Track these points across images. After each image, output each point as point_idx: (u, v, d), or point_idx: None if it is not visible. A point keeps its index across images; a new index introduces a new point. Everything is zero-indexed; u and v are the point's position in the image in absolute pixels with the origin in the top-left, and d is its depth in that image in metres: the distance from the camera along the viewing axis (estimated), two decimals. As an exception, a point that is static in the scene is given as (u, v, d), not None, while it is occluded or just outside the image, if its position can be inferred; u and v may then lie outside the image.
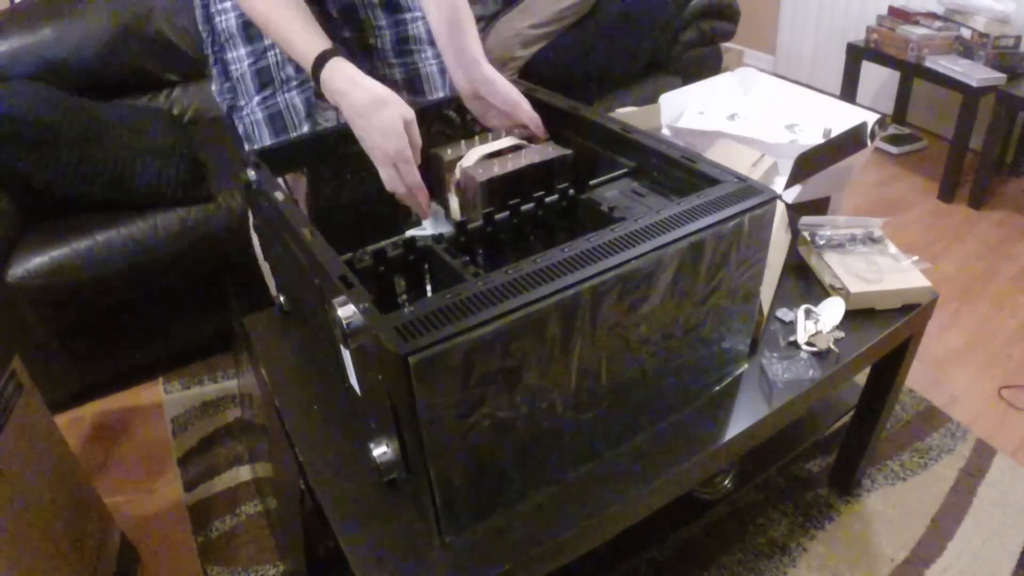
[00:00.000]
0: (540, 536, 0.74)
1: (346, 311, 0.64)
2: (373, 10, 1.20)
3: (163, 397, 1.72)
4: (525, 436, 0.72)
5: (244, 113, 1.19)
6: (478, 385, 0.64)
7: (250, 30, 1.15)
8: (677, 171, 0.89)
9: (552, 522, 0.75)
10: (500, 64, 2.10)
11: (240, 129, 1.22)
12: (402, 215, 1.05)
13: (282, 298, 1.07)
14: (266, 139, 1.19)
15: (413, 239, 0.84)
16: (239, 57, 1.17)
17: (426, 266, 0.86)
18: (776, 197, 0.80)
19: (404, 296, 0.87)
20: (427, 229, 1.02)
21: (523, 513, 0.76)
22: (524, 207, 0.88)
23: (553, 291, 0.65)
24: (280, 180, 0.97)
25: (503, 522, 0.75)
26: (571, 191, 0.92)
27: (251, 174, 0.93)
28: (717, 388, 0.92)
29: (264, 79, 1.18)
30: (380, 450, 0.73)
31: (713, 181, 0.83)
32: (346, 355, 0.77)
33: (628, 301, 0.72)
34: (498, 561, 0.72)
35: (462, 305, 0.63)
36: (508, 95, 1.01)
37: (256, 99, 1.18)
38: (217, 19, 1.14)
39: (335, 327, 0.65)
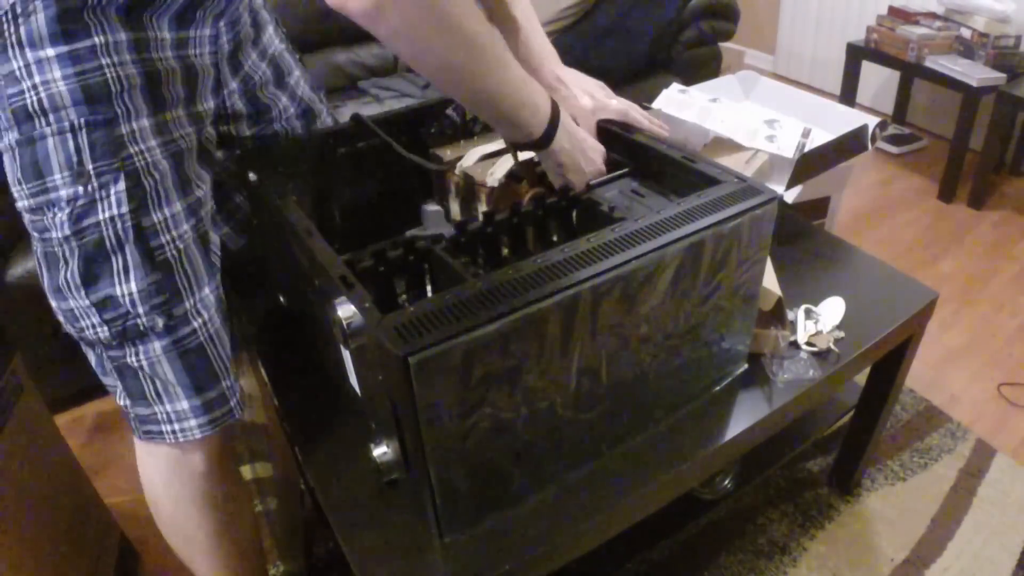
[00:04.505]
0: (540, 536, 0.74)
1: (346, 311, 0.63)
2: (268, 88, 0.97)
3: (163, 397, 1.71)
4: (525, 436, 0.72)
5: (197, 321, 0.76)
6: (478, 385, 0.64)
7: (184, 168, 0.75)
8: (677, 171, 0.89)
9: (552, 522, 0.76)
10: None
11: (170, 366, 0.76)
12: (401, 216, 1.05)
13: (282, 298, 1.07)
14: (223, 355, 0.80)
15: (413, 239, 0.84)
16: (173, 219, 0.73)
17: (426, 267, 0.86)
18: (776, 197, 0.80)
19: (404, 297, 0.87)
20: (428, 230, 1.02)
21: (523, 513, 0.76)
22: (524, 207, 0.89)
23: (553, 291, 0.65)
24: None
25: (503, 522, 0.75)
26: (571, 191, 0.92)
27: (251, 175, 0.93)
28: (717, 388, 0.92)
29: (210, 255, 0.79)
30: (380, 450, 0.73)
31: (713, 181, 0.83)
32: (346, 355, 0.77)
33: (628, 301, 0.71)
34: (498, 561, 0.72)
35: (462, 305, 0.63)
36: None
37: (208, 287, 0.78)
38: (137, 158, 0.69)
39: (335, 327, 0.64)
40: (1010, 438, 1.49)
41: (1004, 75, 2.16)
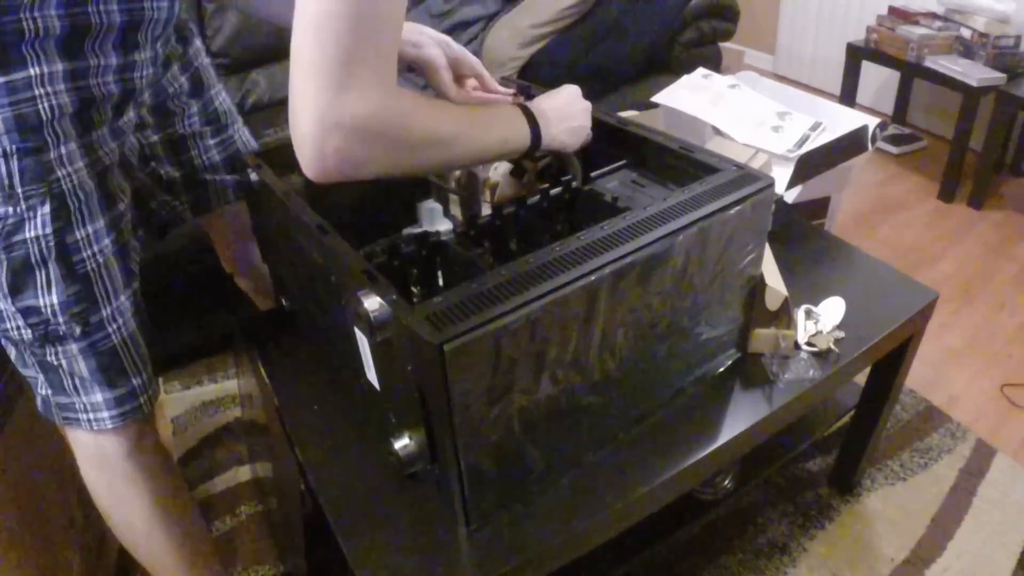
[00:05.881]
0: (563, 523, 0.76)
1: (372, 304, 0.64)
2: (180, 98, 0.98)
3: (163, 397, 1.72)
4: (548, 420, 0.73)
5: (112, 327, 0.82)
6: (507, 371, 0.66)
7: (108, 183, 0.80)
8: (675, 161, 0.91)
9: (573, 509, 0.77)
10: (499, 64, 2.10)
11: (85, 364, 0.82)
12: (398, 215, 1.05)
13: (283, 299, 1.07)
14: (135, 355, 0.86)
15: (426, 233, 0.84)
16: (95, 235, 0.78)
17: (438, 260, 0.87)
18: (774, 182, 0.81)
19: (415, 289, 0.88)
20: (424, 227, 1.02)
21: (544, 501, 0.78)
22: (530, 200, 0.89)
23: (577, 276, 0.67)
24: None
25: (525, 510, 0.77)
26: (574, 183, 0.93)
27: (252, 175, 0.93)
28: (722, 370, 0.94)
29: (129, 263, 0.85)
30: (401, 443, 0.74)
31: (711, 169, 0.84)
32: (366, 349, 0.77)
33: (644, 285, 0.74)
34: (522, 549, 0.73)
35: (489, 294, 0.65)
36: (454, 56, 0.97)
37: (124, 294, 0.83)
38: (64, 181, 0.74)
39: (360, 321, 0.65)
40: (1010, 438, 1.49)
41: (1004, 75, 2.16)
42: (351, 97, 0.62)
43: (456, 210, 1.06)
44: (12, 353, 0.84)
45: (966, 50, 2.31)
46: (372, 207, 1.07)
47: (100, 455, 0.91)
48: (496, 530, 0.75)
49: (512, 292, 0.65)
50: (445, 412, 0.64)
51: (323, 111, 0.62)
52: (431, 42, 0.94)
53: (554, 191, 0.91)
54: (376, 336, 0.65)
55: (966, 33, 2.31)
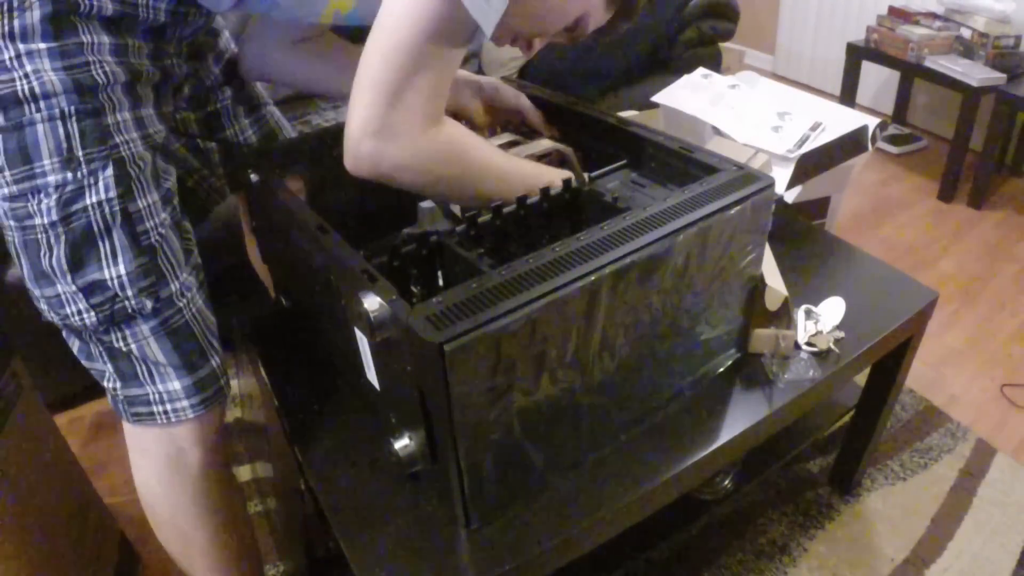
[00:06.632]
0: (564, 522, 0.76)
1: (372, 304, 0.64)
2: (216, 87, 1.01)
3: (163, 397, 1.71)
4: (548, 420, 0.73)
5: (182, 301, 0.78)
6: (507, 370, 0.66)
7: (157, 162, 0.78)
8: (675, 161, 0.91)
9: (574, 508, 0.77)
10: (499, 64, 2.10)
11: (159, 346, 0.77)
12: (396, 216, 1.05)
13: (283, 298, 1.07)
14: (208, 333, 0.82)
15: (426, 233, 0.84)
16: (154, 207, 0.76)
17: (438, 260, 0.87)
18: (774, 182, 0.81)
19: (415, 289, 0.88)
20: (423, 227, 1.02)
21: (544, 500, 0.78)
22: (529, 200, 0.89)
23: (577, 276, 0.67)
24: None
25: (526, 510, 0.77)
26: (574, 183, 0.93)
27: (252, 175, 0.93)
28: (720, 369, 0.93)
29: (187, 238, 0.82)
30: (402, 443, 0.74)
31: (711, 169, 0.84)
32: (366, 350, 0.77)
33: (643, 285, 0.74)
34: (523, 548, 0.73)
35: (489, 294, 0.65)
36: (511, 98, 1.06)
37: (186, 270, 0.80)
38: (123, 148, 0.72)
39: (360, 321, 0.65)
40: (1010, 438, 1.49)
41: (1004, 75, 2.17)
42: (396, 119, 0.70)
43: (456, 210, 1.06)
44: (76, 345, 0.79)
45: (966, 50, 2.31)
46: (372, 207, 1.07)
47: (173, 469, 0.85)
48: (496, 530, 0.75)
49: (512, 292, 0.65)
50: (445, 412, 0.64)
51: (367, 120, 0.70)
52: (467, 91, 1.03)
53: (554, 191, 0.91)
54: (376, 336, 0.65)
55: (966, 33, 2.31)
